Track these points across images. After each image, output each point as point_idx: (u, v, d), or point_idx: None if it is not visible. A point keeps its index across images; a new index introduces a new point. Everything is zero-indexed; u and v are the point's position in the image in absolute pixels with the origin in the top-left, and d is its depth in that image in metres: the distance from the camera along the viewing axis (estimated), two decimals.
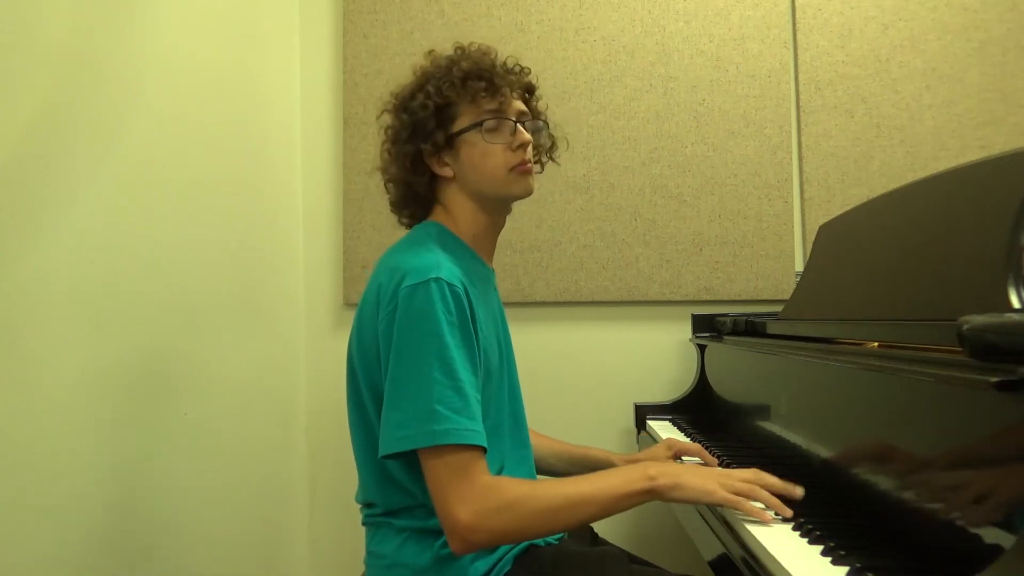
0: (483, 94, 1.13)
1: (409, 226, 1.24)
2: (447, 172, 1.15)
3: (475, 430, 0.97)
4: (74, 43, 1.25)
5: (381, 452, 1.00)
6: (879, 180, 1.98)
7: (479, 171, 1.14)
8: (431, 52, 1.20)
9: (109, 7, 1.34)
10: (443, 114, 1.14)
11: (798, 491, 0.98)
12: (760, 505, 0.96)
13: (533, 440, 1.38)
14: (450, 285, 1.01)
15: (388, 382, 1.01)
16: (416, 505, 1.07)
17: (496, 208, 1.19)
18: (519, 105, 1.17)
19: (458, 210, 1.17)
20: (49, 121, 1.19)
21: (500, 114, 1.14)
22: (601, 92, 2.05)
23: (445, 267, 1.03)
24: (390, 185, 1.22)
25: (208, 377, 1.61)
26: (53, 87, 1.20)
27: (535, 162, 1.22)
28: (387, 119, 1.20)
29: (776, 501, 0.96)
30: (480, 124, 1.13)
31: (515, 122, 1.15)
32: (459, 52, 1.18)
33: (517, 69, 1.20)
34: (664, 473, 0.99)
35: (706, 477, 1.00)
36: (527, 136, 1.16)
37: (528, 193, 1.17)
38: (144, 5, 1.44)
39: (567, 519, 0.99)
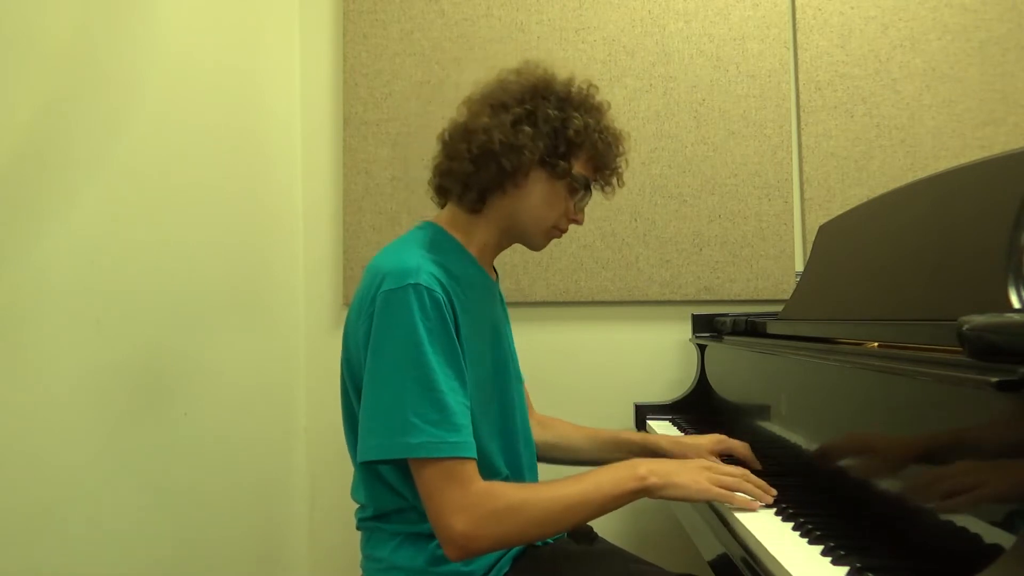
0: (599, 163, 1.16)
1: (437, 191, 1.19)
2: (520, 184, 1.11)
3: (454, 442, 0.94)
4: (74, 43, 1.25)
5: (359, 458, 0.99)
6: (879, 180, 1.98)
7: (537, 212, 1.14)
8: (594, 88, 1.22)
9: (109, 7, 1.34)
10: (570, 145, 1.12)
11: (772, 492, 1.02)
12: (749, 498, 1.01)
13: (561, 429, 1.39)
14: (429, 290, 0.98)
15: (365, 388, 0.99)
16: (407, 508, 1.06)
17: (513, 241, 1.20)
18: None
19: (487, 222, 1.14)
20: (49, 121, 1.19)
21: (589, 186, 1.17)
22: (601, 92, 2.04)
23: (425, 271, 1.00)
24: (464, 146, 1.10)
25: (208, 377, 1.61)
26: (53, 87, 1.20)
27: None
28: (513, 89, 1.13)
29: (759, 491, 1.01)
30: (591, 183, 1.16)
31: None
32: (608, 105, 1.21)
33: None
34: (654, 472, 1.00)
35: (696, 473, 1.01)
36: (584, 217, 1.19)
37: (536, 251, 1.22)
38: (144, 5, 1.44)
39: (562, 521, 0.99)
